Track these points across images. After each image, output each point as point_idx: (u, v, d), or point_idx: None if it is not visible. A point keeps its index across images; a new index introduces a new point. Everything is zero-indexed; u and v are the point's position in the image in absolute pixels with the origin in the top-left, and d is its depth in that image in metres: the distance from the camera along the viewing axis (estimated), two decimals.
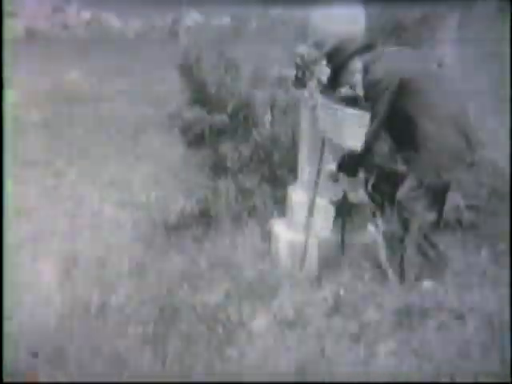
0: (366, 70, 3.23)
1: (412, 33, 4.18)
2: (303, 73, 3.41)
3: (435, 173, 3.20)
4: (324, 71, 3.34)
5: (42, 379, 2.49)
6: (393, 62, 3.23)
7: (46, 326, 2.76)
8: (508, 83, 4.76)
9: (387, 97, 3.14)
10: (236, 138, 4.65)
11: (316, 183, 3.52)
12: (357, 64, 3.26)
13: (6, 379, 2.47)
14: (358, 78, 3.26)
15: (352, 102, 3.33)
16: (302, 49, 3.49)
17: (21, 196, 4.80)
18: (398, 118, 3.19)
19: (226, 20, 15.29)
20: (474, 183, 4.08)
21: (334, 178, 3.43)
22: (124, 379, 2.49)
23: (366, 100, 3.23)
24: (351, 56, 3.26)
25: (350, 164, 3.38)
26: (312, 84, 3.42)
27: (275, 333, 2.83)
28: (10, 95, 7.47)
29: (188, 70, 4.69)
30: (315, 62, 3.39)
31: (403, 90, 3.15)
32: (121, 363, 2.56)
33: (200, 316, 2.89)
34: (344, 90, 3.33)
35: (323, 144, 3.51)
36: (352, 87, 3.29)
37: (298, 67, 3.46)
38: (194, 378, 2.52)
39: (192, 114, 4.78)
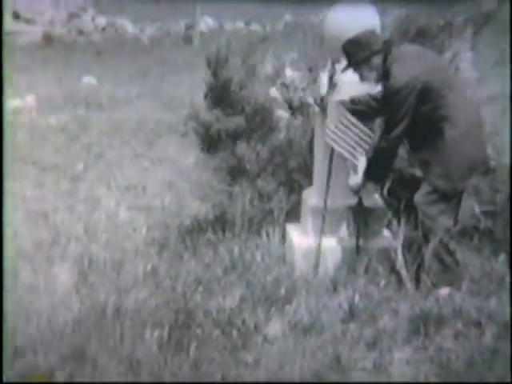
0: (386, 72, 3.20)
1: (433, 40, 4.17)
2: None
3: (450, 181, 3.18)
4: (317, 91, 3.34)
5: (59, 381, 2.50)
6: (415, 65, 3.19)
7: (62, 329, 2.77)
8: None
9: (410, 102, 3.12)
10: (253, 142, 4.65)
11: (328, 188, 3.51)
12: (377, 61, 3.24)
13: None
14: (373, 75, 3.25)
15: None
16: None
17: (37, 200, 4.84)
18: (418, 122, 3.17)
19: (239, 25, 15.36)
20: (490, 189, 4.04)
21: (358, 189, 3.40)
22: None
23: (388, 105, 3.20)
24: (373, 53, 3.21)
25: (377, 172, 3.36)
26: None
27: (290, 338, 2.82)
28: (30, 99, 7.56)
29: (216, 67, 4.69)
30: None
31: (426, 95, 3.14)
32: (137, 367, 2.57)
33: (215, 321, 2.89)
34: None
35: (333, 149, 3.49)
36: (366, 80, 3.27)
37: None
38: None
39: (209, 116, 4.79)
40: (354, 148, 3.31)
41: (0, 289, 2.66)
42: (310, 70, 3.49)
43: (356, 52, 3.22)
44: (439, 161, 3.18)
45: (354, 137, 3.31)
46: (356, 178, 3.37)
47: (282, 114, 3.46)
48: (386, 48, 3.23)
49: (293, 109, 3.42)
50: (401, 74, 3.13)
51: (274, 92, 3.51)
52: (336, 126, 3.30)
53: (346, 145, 3.32)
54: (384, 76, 3.21)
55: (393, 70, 3.16)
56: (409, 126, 3.17)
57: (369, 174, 3.36)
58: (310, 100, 3.38)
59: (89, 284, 3.24)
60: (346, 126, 3.29)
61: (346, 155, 3.33)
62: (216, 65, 4.59)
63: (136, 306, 2.93)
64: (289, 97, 3.41)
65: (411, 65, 3.18)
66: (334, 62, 3.42)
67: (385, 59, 3.21)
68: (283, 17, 14.68)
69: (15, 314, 2.85)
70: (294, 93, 3.40)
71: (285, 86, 3.45)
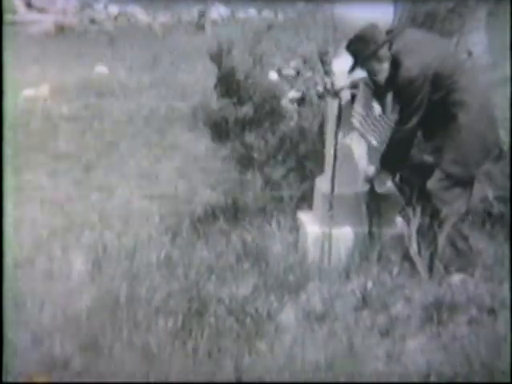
0: (396, 62, 3.17)
1: (443, 23, 4.11)
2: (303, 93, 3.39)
3: (464, 167, 3.16)
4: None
5: (75, 369, 2.53)
6: (425, 53, 3.16)
7: (77, 317, 2.80)
8: None
9: (425, 92, 3.10)
10: (262, 130, 4.66)
11: (333, 174, 3.50)
12: (384, 52, 3.21)
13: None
14: (385, 66, 3.21)
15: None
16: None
17: (51, 188, 4.88)
18: (432, 109, 3.14)
19: (251, 12, 15.26)
20: (503, 174, 4.01)
21: (372, 177, 3.42)
22: (154, 372, 2.51)
23: (399, 96, 3.18)
24: (380, 46, 3.19)
25: (393, 162, 3.34)
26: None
27: (303, 326, 2.83)
28: (43, 88, 7.60)
29: (219, 58, 4.71)
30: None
31: (438, 82, 3.11)
32: (151, 356, 2.59)
33: (228, 309, 2.90)
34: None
35: (336, 136, 3.48)
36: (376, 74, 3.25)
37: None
38: (223, 371, 2.53)
39: (218, 105, 4.81)
40: (375, 132, 3.32)
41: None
42: (322, 57, 3.46)
43: (362, 49, 3.19)
44: (452, 147, 3.16)
45: (376, 122, 3.32)
46: (371, 167, 3.37)
47: (288, 105, 3.46)
48: (391, 37, 3.20)
49: (299, 99, 3.42)
50: (412, 65, 3.09)
51: (274, 75, 3.50)
52: (363, 110, 3.29)
53: (370, 129, 3.32)
54: (393, 66, 3.18)
55: (403, 60, 3.12)
56: (423, 116, 3.14)
57: (384, 164, 3.35)
58: (320, 88, 3.36)
59: (103, 272, 3.26)
60: (371, 109, 3.30)
61: (371, 139, 3.33)
62: (219, 56, 4.60)
63: (149, 294, 2.95)
64: (300, 87, 3.40)
65: (421, 53, 3.15)
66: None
67: (390, 48, 3.18)
68: (296, 4, 14.57)
69: (31, 302, 2.89)
70: (300, 83, 3.39)
71: (290, 75, 3.44)
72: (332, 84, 3.38)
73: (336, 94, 3.45)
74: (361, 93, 3.36)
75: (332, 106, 3.65)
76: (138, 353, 2.61)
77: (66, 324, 2.75)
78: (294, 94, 3.45)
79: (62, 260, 3.38)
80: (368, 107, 3.33)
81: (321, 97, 3.38)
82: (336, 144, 3.49)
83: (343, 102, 3.44)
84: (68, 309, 2.84)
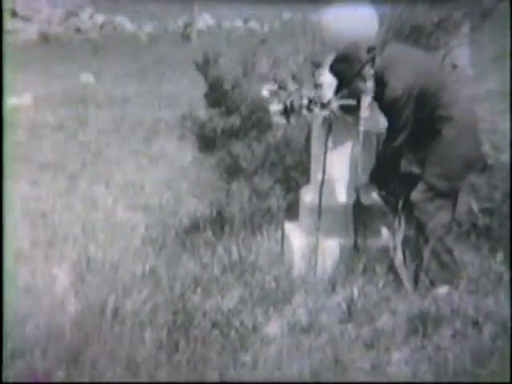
0: (381, 79, 3.16)
1: (429, 37, 4.15)
2: (291, 103, 3.38)
3: (447, 180, 3.18)
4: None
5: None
6: (410, 71, 3.15)
7: (60, 330, 2.76)
8: None
9: (409, 110, 3.10)
10: (249, 140, 4.65)
11: (322, 185, 3.51)
12: (368, 70, 3.21)
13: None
14: (369, 85, 3.23)
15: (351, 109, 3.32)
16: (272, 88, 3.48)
17: (35, 199, 4.84)
18: (417, 125, 3.16)
19: (238, 23, 15.33)
20: (488, 186, 4.04)
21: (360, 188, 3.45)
22: None
23: (385, 113, 3.20)
24: (363, 66, 3.18)
25: (382, 177, 3.37)
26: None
27: (289, 339, 2.82)
28: (27, 97, 7.55)
29: (205, 68, 4.70)
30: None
31: (423, 100, 3.12)
32: (135, 368, 2.56)
33: (213, 321, 2.88)
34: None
35: (326, 147, 3.49)
36: (362, 93, 3.26)
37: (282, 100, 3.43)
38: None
39: (204, 115, 4.79)
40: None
41: (0, 289, 2.64)
42: (313, 67, 3.46)
43: (346, 69, 3.19)
44: (436, 160, 3.17)
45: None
46: (360, 178, 3.42)
47: (279, 119, 3.45)
48: (374, 55, 3.19)
49: (288, 112, 3.40)
50: (397, 84, 3.08)
51: (266, 92, 3.49)
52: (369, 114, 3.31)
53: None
54: (378, 83, 3.18)
55: (388, 78, 3.12)
56: (409, 133, 3.16)
57: (374, 179, 3.40)
58: (305, 101, 3.36)
59: (87, 285, 3.22)
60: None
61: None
62: (205, 66, 4.60)
63: (134, 307, 2.92)
64: (283, 100, 3.39)
65: (405, 71, 3.14)
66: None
67: (373, 65, 3.19)
68: (281, 15, 14.65)
69: (13, 316, 2.84)
70: (288, 97, 3.38)
71: (278, 89, 3.43)
72: (320, 97, 3.38)
73: (324, 106, 3.45)
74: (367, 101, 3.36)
75: (318, 118, 3.65)
76: (122, 366, 2.59)
77: (49, 337, 2.72)
78: (275, 106, 3.44)
79: (44, 273, 3.34)
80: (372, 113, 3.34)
81: (308, 109, 3.37)
82: (325, 155, 3.49)
83: (332, 114, 3.43)
84: (51, 322, 2.81)
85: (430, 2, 4.30)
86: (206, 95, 4.67)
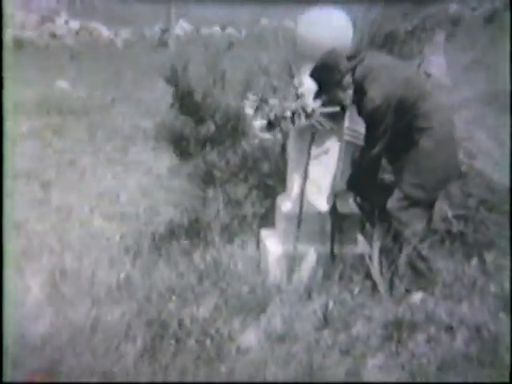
0: (360, 88, 3.17)
1: (402, 45, 4.19)
2: (275, 116, 3.38)
3: (423, 191, 3.20)
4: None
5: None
6: (389, 81, 3.16)
7: (34, 343, 2.73)
8: (499, 92, 4.78)
9: (388, 119, 3.12)
10: (224, 148, 4.65)
11: (303, 193, 3.51)
12: (348, 79, 3.23)
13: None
14: (348, 93, 3.24)
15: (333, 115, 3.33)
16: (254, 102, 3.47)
17: (8, 209, 4.76)
18: (395, 135, 3.18)
19: (215, 29, 15.33)
20: (462, 193, 4.10)
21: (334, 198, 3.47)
22: None
23: (365, 124, 3.21)
24: (343, 75, 3.20)
25: (359, 185, 3.40)
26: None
27: (264, 347, 2.82)
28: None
29: (174, 79, 4.69)
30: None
31: (402, 110, 3.14)
32: (112, 379, 2.54)
33: (189, 330, 2.87)
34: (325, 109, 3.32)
35: (309, 154, 3.50)
36: (341, 102, 3.28)
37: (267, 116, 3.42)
38: None
39: (179, 124, 4.78)
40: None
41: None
42: (291, 76, 3.46)
43: (326, 77, 3.20)
44: (413, 170, 3.19)
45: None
46: (341, 185, 3.44)
47: (263, 135, 3.45)
48: (354, 65, 3.21)
49: (272, 126, 3.39)
50: (376, 94, 3.10)
51: (249, 110, 3.48)
52: (354, 126, 3.31)
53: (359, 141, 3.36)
54: (357, 92, 3.20)
55: (367, 88, 3.13)
56: (388, 142, 3.19)
57: (351, 187, 3.43)
58: (288, 113, 3.35)
59: (61, 296, 3.19)
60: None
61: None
62: (173, 76, 4.59)
63: (109, 317, 2.90)
64: (267, 114, 3.37)
65: (384, 81, 3.15)
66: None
67: (353, 74, 3.22)
68: (259, 21, 14.69)
69: None
70: (270, 111, 3.36)
71: (260, 101, 3.41)
72: (303, 107, 3.37)
73: (308, 116, 3.44)
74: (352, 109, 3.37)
75: (297, 126, 3.64)
76: (98, 377, 2.56)
77: (23, 350, 2.68)
78: (259, 122, 3.43)
79: (18, 284, 3.29)
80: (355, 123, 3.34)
81: (292, 121, 3.36)
82: (308, 163, 3.49)
83: (315, 122, 3.43)
84: (24, 335, 2.77)
85: (403, 9, 4.35)
86: (173, 105, 4.66)
